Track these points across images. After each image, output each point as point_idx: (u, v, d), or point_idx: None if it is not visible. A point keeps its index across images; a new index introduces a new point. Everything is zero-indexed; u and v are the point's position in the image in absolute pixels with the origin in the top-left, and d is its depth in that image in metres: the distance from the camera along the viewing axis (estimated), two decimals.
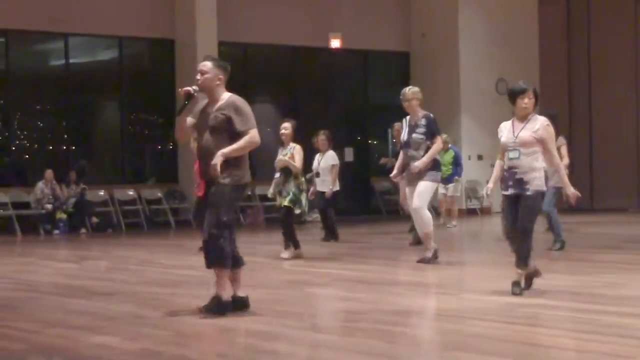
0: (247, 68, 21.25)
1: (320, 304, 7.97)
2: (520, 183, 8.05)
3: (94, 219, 18.50)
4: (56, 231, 17.95)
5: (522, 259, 8.08)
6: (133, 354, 6.14)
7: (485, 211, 20.83)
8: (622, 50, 21.96)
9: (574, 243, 12.90)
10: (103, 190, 19.14)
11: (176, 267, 11.72)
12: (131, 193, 19.41)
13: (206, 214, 7.44)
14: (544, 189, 8.20)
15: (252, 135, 7.63)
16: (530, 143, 8.06)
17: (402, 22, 22.59)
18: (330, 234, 14.67)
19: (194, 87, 7.89)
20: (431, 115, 11.13)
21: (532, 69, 22.46)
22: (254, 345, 6.45)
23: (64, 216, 18.22)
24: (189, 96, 7.89)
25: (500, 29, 21.88)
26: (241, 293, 7.63)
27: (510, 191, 8.10)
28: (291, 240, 12.08)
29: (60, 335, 6.80)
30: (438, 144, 10.93)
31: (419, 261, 10.84)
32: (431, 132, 10.96)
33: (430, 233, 10.86)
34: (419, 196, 10.86)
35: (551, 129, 8.23)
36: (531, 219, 8.08)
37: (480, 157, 21.20)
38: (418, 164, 10.85)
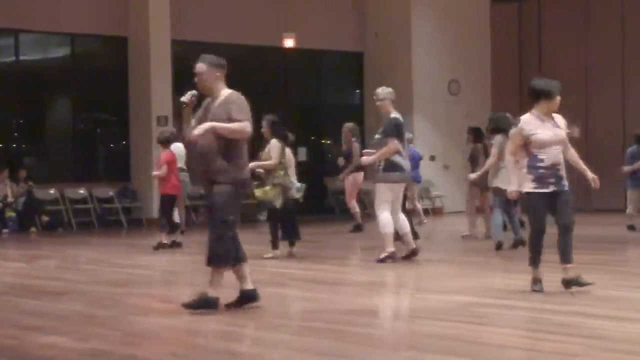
0: None
1: (276, 304, 7.95)
2: (561, 179, 8.07)
3: (44, 218, 18.29)
4: (5, 230, 17.71)
5: (569, 254, 8.06)
6: (83, 353, 6.08)
7: (437, 211, 20.94)
8: (572, 50, 22.19)
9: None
10: (54, 189, 18.93)
11: (128, 267, 11.64)
12: (82, 191, 19.22)
13: (210, 214, 7.50)
14: None
15: (245, 125, 7.63)
16: (566, 140, 8.18)
17: (355, 22, 22.62)
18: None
19: (193, 92, 8.04)
20: (395, 116, 11.07)
21: (484, 69, 22.64)
22: (207, 345, 6.42)
23: (13, 214, 18.00)
24: (183, 105, 8.13)
25: (453, 29, 22.02)
26: (249, 286, 7.58)
27: (551, 188, 8.03)
28: (275, 239, 11.92)
29: (9, 336, 6.71)
30: (389, 146, 10.83)
31: (378, 261, 10.86)
32: (386, 133, 10.94)
33: (387, 234, 10.85)
34: (375, 199, 10.89)
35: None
36: (573, 213, 8.13)
37: (432, 158, 21.29)
38: (364, 159, 10.92)
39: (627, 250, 12.18)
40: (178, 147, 15.44)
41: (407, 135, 11.61)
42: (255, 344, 6.38)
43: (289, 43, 21.42)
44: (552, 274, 8.79)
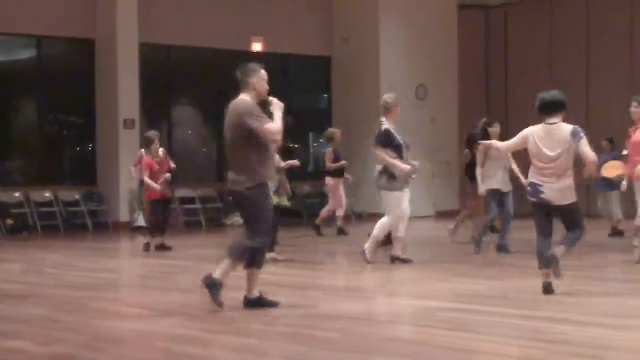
0: (168, 70, 21.09)
1: (241, 308, 7.95)
2: None
3: (8, 221, 18.14)
4: None
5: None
6: (47, 358, 6.05)
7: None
8: (538, 56, 22.39)
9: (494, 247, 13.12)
10: (18, 192, 18.77)
11: (93, 270, 11.57)
12: (47, 194, 19.07)
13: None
14: None
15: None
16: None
17: (323, 27, 22.66)
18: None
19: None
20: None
21: (451, 74, 22.75)
22: (171, 349, 6.41)
23: None
24: (265, 103, 8.12)
25: (420, 34, 22.11)
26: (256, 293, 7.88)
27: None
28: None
29: None
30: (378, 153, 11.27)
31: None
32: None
33: (373, 236, 11.21)
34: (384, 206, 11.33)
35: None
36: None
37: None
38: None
39: (594, 255, 12.28)
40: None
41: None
42: (219, 347, 6.38)
43: (257, 47, 21.41)
44: (519, 279, 8.88)
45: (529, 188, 8.45)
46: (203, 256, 13.14)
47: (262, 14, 21.42)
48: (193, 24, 20.44)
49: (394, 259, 11.20)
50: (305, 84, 23.77)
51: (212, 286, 7.64)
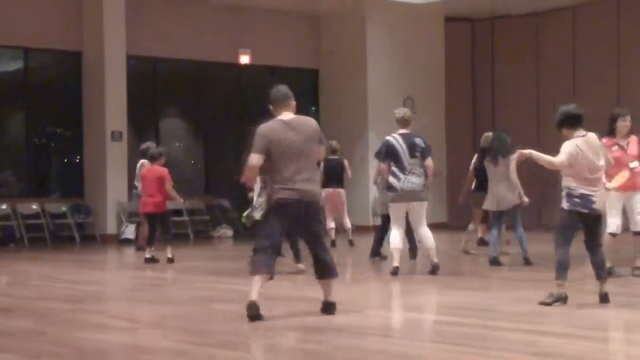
0: (156, 82, 21.10)
1: (226, 321, 7.94)
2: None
3: None
4: None
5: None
6: None
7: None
8: (524, 69, 22.49)
9: (481, 260, 13.15)
10: (5, 204, 18.72)
11: (79, 283, 11.54)
12: (35, 207, 19.03)
13: None
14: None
15: (249, 160, 8.09)
16: None
17: (311, 40, 22.72)
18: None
19: None
20: (386, 138, 11.46)
21: (438, 87, 22.82)
22: None
23: None
24: None
25: (407, 47, 22.18)
26: (331, 299, 8.17)
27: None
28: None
29: None
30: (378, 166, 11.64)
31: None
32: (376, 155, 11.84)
33: (392, 250, 11.32)
34: None
35: (563, 146, 8.50)
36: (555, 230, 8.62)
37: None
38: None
39: (580, 267, 12.29)
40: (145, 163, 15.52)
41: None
42: None
43: (244, 59, 21.45)
44: (509, 292, 8.90)
45: (577, 200, 8.40)
46: (190, 269, 13.13)
47: (250, 27, 21.46)
48: (180, 37, 20.46)
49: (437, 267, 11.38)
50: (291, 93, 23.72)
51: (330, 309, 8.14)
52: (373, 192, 16.90)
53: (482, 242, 14.84)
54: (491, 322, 7.70)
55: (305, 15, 22.47)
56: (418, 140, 11.35)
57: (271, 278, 8.00)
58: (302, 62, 22.67)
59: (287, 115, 8.19)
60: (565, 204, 8.44)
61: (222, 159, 22.28)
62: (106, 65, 19.08)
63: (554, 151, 8.48)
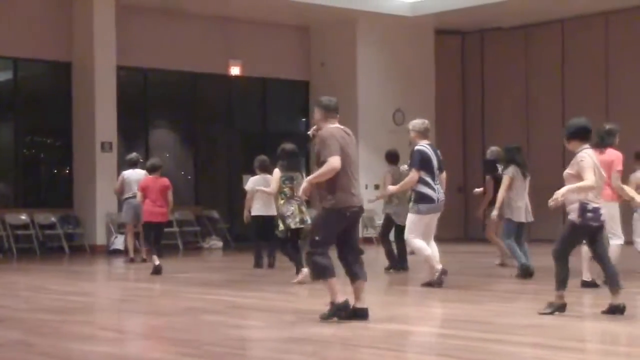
0: (146, 93, 21.10)
1: (214, 332, 7.94)
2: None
3: None
4: None
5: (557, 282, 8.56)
6: None
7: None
8: (514, 81, 22.58)
9: (472, 272, 13.16)
10: None
11: (68, 294, 11.52)
12: (24, 217, 18.98)
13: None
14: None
15: (330, 162, 8.17)
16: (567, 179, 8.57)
17: (301, 52, 22.76)
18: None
19: (314, 127, 8.87)
20: (418, 148, 11.36)
21: (428, 99, 22.86)
22: None
23: None
24: (309, 138, 9.06)
25: (398, 60, 22.24)
26: (359, 305, 8.27)
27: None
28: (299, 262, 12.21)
29: None
30: (410, 176, 11.31)
31: (426, 284, 11.21)
32: (409, 165, 11.54)
33: (427, 257, 11.21)
34: (406, 228, 11.49)
35: (583, 163, 8.45)
36: (558, 241, 8.61)
37: (377, 187, 21.41)
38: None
39: (573, 279, 12.35)
40: (137, 173, 15.56)
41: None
42: None
43: (235, 71, 21.48)
44: (496, 304, 8.92)
45: (590, 214, 8.42)
46: (180, 280, 13.12)
47: (241, 38, 21.50)
48: (171, 47, 20.48)
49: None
50: (283, 108, 23.81)
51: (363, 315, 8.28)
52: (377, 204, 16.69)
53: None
54: (477, 334, 7.71)
55: (296, 27, 22.52)
56: (439, 152, 11.54)
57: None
58: (293, 74, 22.71)
59: (338, 124, 8.63)
60: (577, 218, 8.44)
61: (212, 170, 22.29)
62: (96, 76, 19.08)
63: (543, 162, 8.51)
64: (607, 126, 11.03)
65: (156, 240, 13.97)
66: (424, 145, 11.31)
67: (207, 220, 21.05)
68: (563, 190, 8.43)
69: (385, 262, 13.76)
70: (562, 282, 8.52)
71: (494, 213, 12.61)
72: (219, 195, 22.01)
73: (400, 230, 12.86)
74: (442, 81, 23.11)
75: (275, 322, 8.51)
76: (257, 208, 13.84)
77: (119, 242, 18.59)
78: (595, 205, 8.44)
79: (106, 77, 19.20)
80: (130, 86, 20.60)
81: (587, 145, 8.63)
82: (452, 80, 23.56)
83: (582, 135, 8.64)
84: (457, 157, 22.44)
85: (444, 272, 11.16)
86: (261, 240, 14.28)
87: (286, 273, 13.94)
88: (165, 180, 14.23)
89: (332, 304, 8.20)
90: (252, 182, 13.92)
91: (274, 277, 13.21)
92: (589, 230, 8.51)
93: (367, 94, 21.92)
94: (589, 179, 8.32)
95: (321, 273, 8.18)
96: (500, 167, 13.43)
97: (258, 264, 14.39)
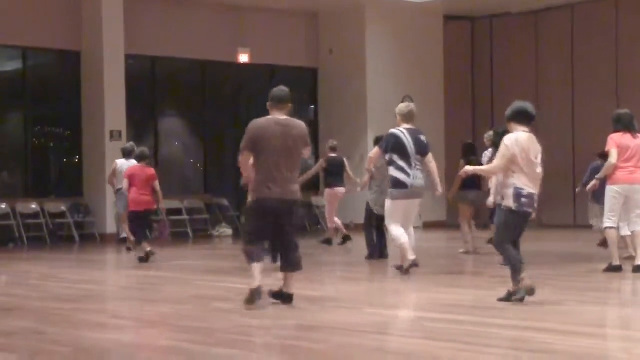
0: (154, 82, 21.10)
1: (225, 319, 7.95)
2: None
3: None
4: None
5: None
6: None
7: None
8: (524, 67, 22.51)
9: (483, 260, 13.15)
10: (5, 204, 18.72)
11: (78, 282, 11.55)
12: (34, 206, 19.04)
13: None
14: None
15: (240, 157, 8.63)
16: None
17: (310, 39, 22.73)
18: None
19: None
20: (391, 131, 11.27)
21: (437, 85, 22.83)
22: None
23: None
24: None
25: (407, 46, 22.19)
26: (286, 290, 8.63)
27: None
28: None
29: None
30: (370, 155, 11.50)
31: (398, 268, 11.14)
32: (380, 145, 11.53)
33: (401, 245, 11.03)
34: (385, 214, 11.35)
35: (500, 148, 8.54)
36: (495, 232, 8.66)
37: None
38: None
39: (574, 265, 12.33)
40: (130, 163, 15.42)
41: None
42: (204, 359, 6.37)
43: (243, 58, 21.46)
44: (503, 289, 8.89)
45: (524, 199, 8.37)
46: (190, 267, 13.15)
47: (249, 26, 21.47)
48: (179, 36, 20.47)
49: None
50: (292, 95, 23.74)
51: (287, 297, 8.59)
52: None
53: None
54: (485, 319, 7.71)
55: (304, 14, 22.48)
56: (422, 136, 11.21)
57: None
58: (301, 61, 22.68)
59: (280, 115, 8.57)
60: (513, 204, 8.38)
61: (221, 158, 22.30)
62: (105, 65, 19.09)
63: (553, 147, 8.51)
64: (626, 111, 11.11)
65: (145, 228, 13.86)
66: (399, 129, 11.16)
67: (216, 208, 21.08)
68: (471, 168, 9.07)
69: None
70: (515, 269, 8.39)
71: (490, 199, 12.53)
72: (229, 183, 22.00)
73: (378, 218, 12.87)
74: (451, 67, 23.05)
75: (285, 309, 8.52)
76: None
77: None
78: (531, 191, 8.38)
79: (115, 65, 19.20)
80: (139, 74, 20.60)
81: (523, 129, 8.57)
82: (462, 66, 23.49)
83: (528, 118, 8.70)
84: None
85: (414, 264, 10.96)
86: None
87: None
88: (151, 170, 13.93)
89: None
90: None
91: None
92: (525, 216, 8.43)
93: (375, 81, 21.87)
94: (493, 165, 8.60)
95: (247, 259, 8.43)
96: (491, 151, 13.33)
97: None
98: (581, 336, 6.94)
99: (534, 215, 8.56)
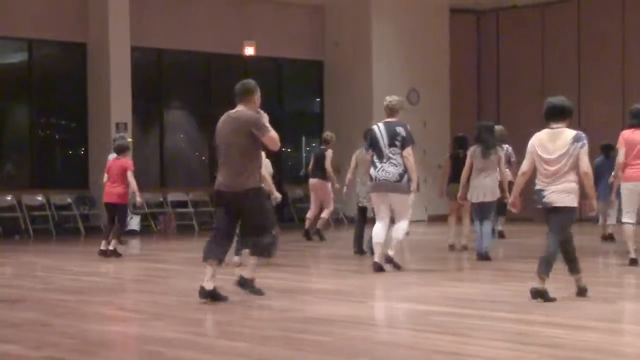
0: (160, 74, 21.09)
1: (230, 312, 7.96)
2: None
3: None
4: None
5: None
6: None
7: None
8: (530, 61, 22.46)
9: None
10: (10, 195, 18.74)
11: (84, 274, 11.56)
12: (40, 198, 19.05)
13: None
14: None
15: None
16: None
17: (315, 32, 22.69)
18: None
19: None
20: (370, 127, 11.41)
21: (443, 79, 22.79)
22: (161, 352, 6.40)
23: None
24: None
25: (413, 39, 22.16)
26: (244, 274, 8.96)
27: None
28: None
29: None
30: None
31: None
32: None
33: (374, 245, 11.08)
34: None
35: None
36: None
37: None
38: None
39: (584, 259, 12.31)
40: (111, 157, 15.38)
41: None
42: (210, 352, 6.37)
43: (249, 51, 21.43)
44: (506, 284, 8.90)
45: (535, 195, 8.52)
46: (195, 260, 13.11)
47: (255, 18, 21.45)
48: (185, 28, 20.45)
49: (390, 261, 11.07)
50: (297, 88, 23.78)
51: (244, 284, 8.80)
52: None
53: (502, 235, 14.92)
54: (491, 313, 7.72)
55: (310, 7, 22.45)
56: (399, 129, 10.92)
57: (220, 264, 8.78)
58: (307, 54, 22.65)
59: (237, 108, 8.79)
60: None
61: None
62: (111, 57, 19.08)
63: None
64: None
65: (116, 221, 13.78)
66: (376, 124, 11.20)
67: None
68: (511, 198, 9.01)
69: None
70: (548, 266, 8.40)
71: (460, 193, 12.49)
72: None
73: (361, 211, 13.10)
74: (457, 60, 23.01)
75: (291, 302, 8.52)
76: None
77: (134, 223, 18.61)
78: (537, 187, 8.49)
79: (121, 57, 19.19)
80: (145, 67, 20.59)
81: (559, 124, 8.57)
82: (468, 59, 23.45)
83: (546, 116, 8.71)
84: (472, 136, 22.32)
85: (375, 268, 10.84)
86: None
87: (299, 255, 13.98)
88: (125, 161, 13.70)
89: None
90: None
91: (289, 258, 13.23)
92: (543, 211, 8.50)
93: (381, 74, 21.84)
94: (521, 167, 8.72)
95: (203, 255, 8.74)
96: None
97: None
98: (587, 330, 6.93)
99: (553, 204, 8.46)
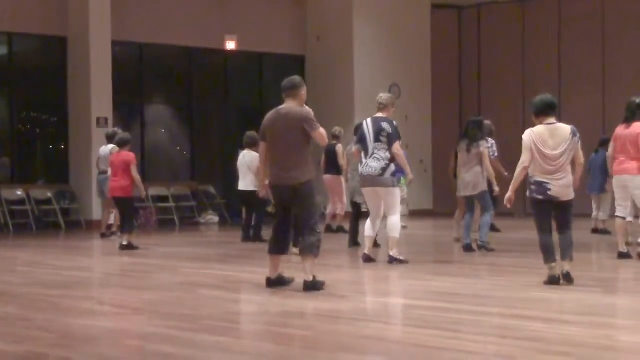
0: (141, 68, 21.01)
1: (212, 306, 7.94)
2: None
3: None
4: None
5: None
6: (17, 357, 6.00)
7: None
8: (510, 56, 22.52)
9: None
10: None
11: (64, 269, 11.52)
12: (19, 193, 18.95)
13: None
14: None
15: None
16: None
17: (297, 26, 22.67)
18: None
19: None
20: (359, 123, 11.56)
21: (424, 74, 22.81)
22: (142, 347, 6.38)
23: None
24: None
25: (394, 34, 22.17)
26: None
27: None
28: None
29: None
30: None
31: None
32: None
33: (365, 238, 11.32)
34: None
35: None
36: None
37: None
38: None
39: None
40: (107, 148, 15.41)
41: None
42: (193, 346, 6.36)
43: (230, 45, 21.39)
44: (492, 278, 8.93)
45: (533, 187, 8.79)
46: (177, 255, 13.12)
47: (236, 13, 21.39)
48: (166, 22, 20.38)
49: (393, 261, 11.11)
50: (279, 83, 23.58)
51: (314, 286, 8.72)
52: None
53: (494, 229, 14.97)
54: (474, 307, 7.72)
55: (291, 2, 22.42)
56: (385, 125, 10.94)
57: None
58: (289, 49, 22.62)
59: (285, 104, 8.98)
60: (528, 193, 8.91)
61: (208, 145, 22.25)
62: (91, 51, 18.98)
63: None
64: (637, 100, 11.04)
65: (123, 216, 13.81)
66: (365, 120, 11.27)
67: (203, 196, 21.04)
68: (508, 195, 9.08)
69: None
70: (547, 254, 8.83)
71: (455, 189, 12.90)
72: (215, 170, 21.97)
73: (354, 206, 13.40)
74: (438, 55, 23.04)
75: (272, 296, 8.52)
76: (245, 184, 14.15)
77: (115, 217, 18.54)
78: (538, 179, 8.73)
79: (102, 52, 19.10)
80: (126, 61, 20.51)
81: (552, 119, 8.88)
82: (449, 54, 23.49)
83: (537, 112, 8.97)
84: (453, 131, 22.37)
85: (364, 259, 11.14)
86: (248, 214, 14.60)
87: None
88: (126, 155, 13.69)
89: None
90: (250, 157, 14.07)
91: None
92: (538, 202, 8.77)
93: (363, 69, 21.85)
94: (520, 162, 8.83)
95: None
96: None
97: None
98: (570, 324, 6.95)
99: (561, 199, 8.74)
